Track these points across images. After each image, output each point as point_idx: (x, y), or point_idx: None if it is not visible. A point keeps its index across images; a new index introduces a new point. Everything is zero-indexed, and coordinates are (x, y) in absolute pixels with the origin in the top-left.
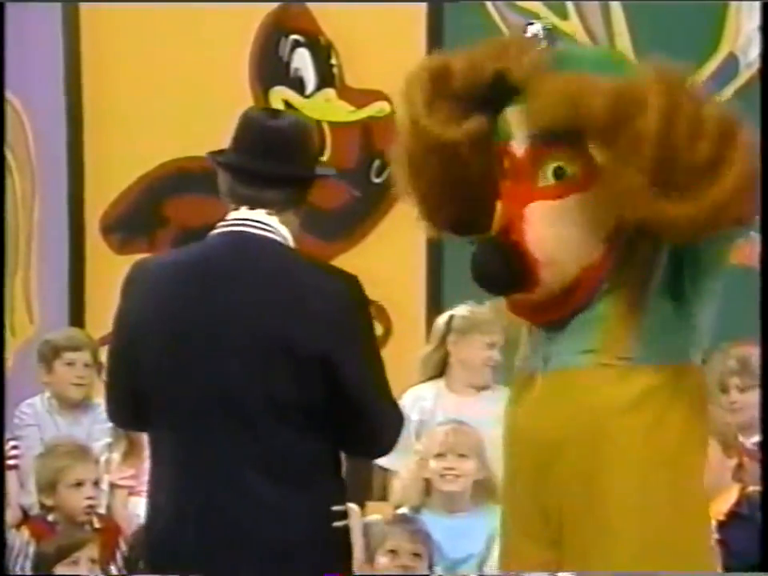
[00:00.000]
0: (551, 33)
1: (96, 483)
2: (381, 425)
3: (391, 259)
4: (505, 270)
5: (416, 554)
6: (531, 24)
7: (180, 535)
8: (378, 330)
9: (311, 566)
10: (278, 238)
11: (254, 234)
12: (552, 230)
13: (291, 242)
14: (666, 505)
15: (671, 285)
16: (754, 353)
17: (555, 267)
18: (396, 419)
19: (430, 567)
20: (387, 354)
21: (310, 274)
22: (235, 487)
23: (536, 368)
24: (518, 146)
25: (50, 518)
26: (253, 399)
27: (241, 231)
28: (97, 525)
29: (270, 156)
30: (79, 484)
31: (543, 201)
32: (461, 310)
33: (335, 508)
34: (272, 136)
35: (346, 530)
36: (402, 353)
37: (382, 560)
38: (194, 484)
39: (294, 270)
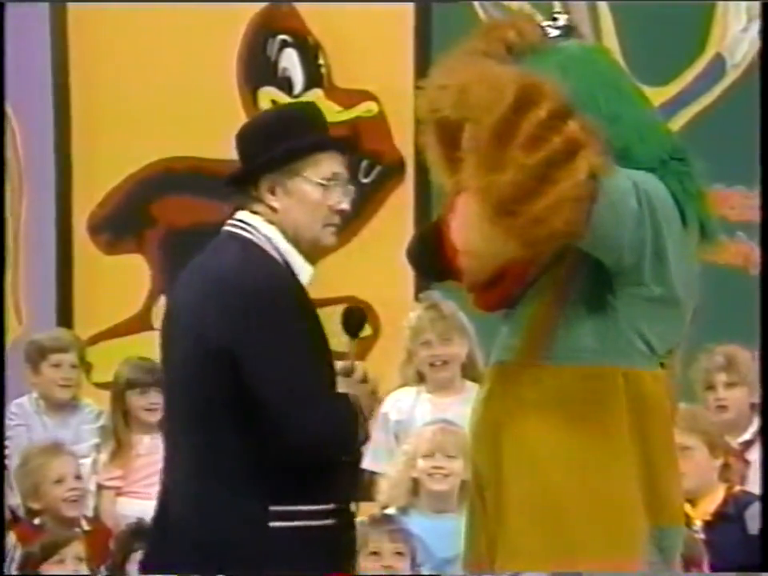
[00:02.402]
0: (566, 29)
1: (78, 477)
2: (289, 424)
3: (379, 259)
4: (425, 257)
5: (398, 553)
6: (555, 20)
7: (150, 528)
8: (367, 330)
9: (245, 564)
10: (248, 236)
11: (227, 232)
12: (472, 221)
13: (276, 240)
14: (572, 509)
15: (593, 291)
16: (740, 351)
17: (474, 257)
18: (311, 419)
19: (415, 565)
20: (375, 354)
21: (234, 270)
22: (175, 483)
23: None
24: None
25: (36, 521)
26: (184, 396)
27: (223, 230)
28: (86, 527)
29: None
30: (60, 480)
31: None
32: (416, 309)
33: (274, 508)
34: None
35: (290, 531)
36: (391, 353)
37: (365, 563)
38: (160, 480)
39: (224, 266)
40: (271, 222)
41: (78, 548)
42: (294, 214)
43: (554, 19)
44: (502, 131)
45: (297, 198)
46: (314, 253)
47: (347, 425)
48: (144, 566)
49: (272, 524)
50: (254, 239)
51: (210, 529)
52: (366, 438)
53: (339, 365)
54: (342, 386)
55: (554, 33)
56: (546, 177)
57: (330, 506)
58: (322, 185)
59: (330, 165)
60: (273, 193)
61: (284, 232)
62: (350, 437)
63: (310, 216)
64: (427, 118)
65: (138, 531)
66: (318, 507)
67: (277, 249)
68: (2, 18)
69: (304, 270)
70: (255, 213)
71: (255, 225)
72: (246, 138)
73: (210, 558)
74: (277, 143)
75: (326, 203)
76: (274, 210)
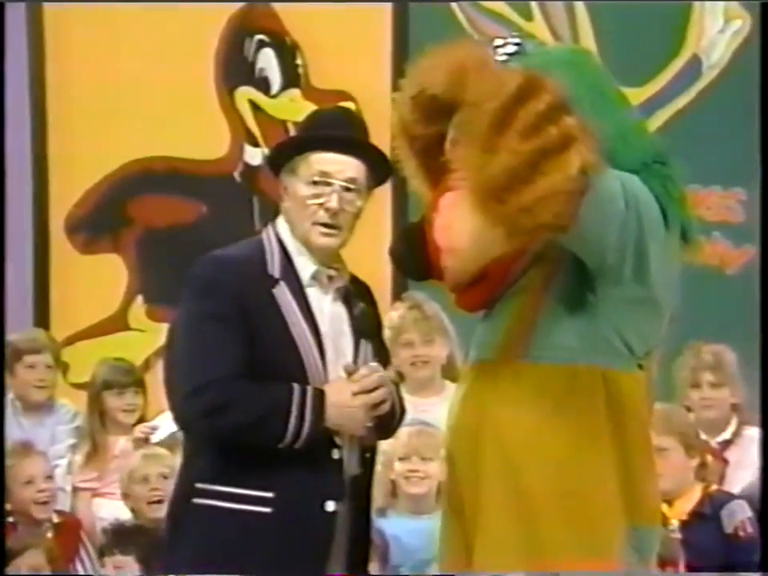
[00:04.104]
0: (518, 49)
1: (49, 478)
2: (171, 396)
3: (357, 259)
4: (407, 256)
5: None
6: (500, 39)
7: None
8: None
9: (168, 532)
10: (263, 231)
11: None
12: (457, 220)
13: (284, 237)
14: (549, 508)
15: (574, 290)
16: (727, 351)
17: (458, 255)
18: (182, 398)
19: (389, 566)
20: None
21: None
22: None
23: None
24: (447, 142)
25: (11, 519)
26: None
27: None
28: (56, 519)
29: None
30: (30, 481)
31: (456, 192)
32: (398, 308)
33: (200, 485)
34: None
35: (211, 510)
36: None
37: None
38: None
39: None
40: (287, 220)
41: (38, 556)
42: (292, 213)
43: (507, 42)
44: (500, 118)
45: (293, 196)
46: (312, 251)
47: (251, 411)
48: None
49: (194, 500)
50: (264, 233)
51: (168, 509)
52: (315, 435)
53: (345, 363)
54: (334, 382)
55: (504, 57)
56: (538, 167)
57: (268, 495)
58: (310, 183)
59: (319, 164)
60: (285, 191)
61: (291, 230)
62: (262, 425)
63: (300, 214)
64: (400, 132)
65: (115, 533)
66: (248, 492)
67: (282, 244)
68: (2, 18)
69: (305, 266)
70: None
71: (277, 220)
72: None
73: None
74: (290, 143)
75: (314, 201)
76: (285, 208)
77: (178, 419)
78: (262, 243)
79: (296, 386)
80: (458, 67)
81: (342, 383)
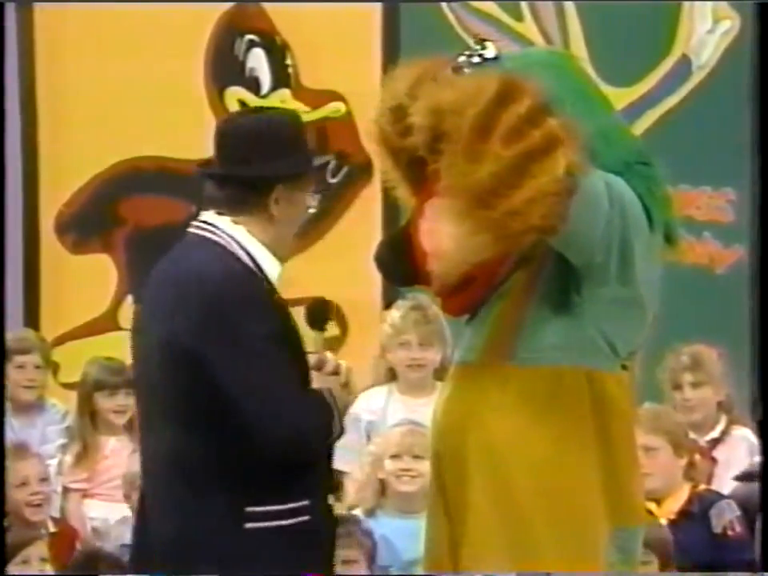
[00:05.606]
0: (490, 59)
1: (43, 480)
2: (260, 426)
3: (347, 260)
4: (393, 262)
5: (347, 561)
6: (468, 50)
7: (132, 537)
8: (335, 330)
9: (222, 567)
10: (214, 238)
11: (194, 235)
12: (443, 225)
13: (243, 241)
14: (534, 509)
15: (559, 291)
16: (706, 350)
17: (445, 260)
18: (281, 420)
19: (375, 567)
20: (343, 355)
21: (198, 274)
22: (153, 489)
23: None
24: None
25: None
26: (156, 401)
27: (189, 232)
28: (52, 529)
29: (219, 156)
30: (23, 483)
31: (440, 197)
32: (399, 308)
33: (251, 509)
34: (224, 136)
35: (266, 532)
36: (358, 354)
37: None
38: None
39: (193, 268)
40: (260, 226)
41: (41, 548)
42: (286, 222)
43: (482, 47)
44: (482, 124)
45: (298, 207)
46: (284, 255)
47: (321, 422)
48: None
49: (247, 525)
50: (220, 241)
51: (187, 535)
52: (342, 432)
53: (311, 359)
54: (315, 381)
55: (475, 62)
56: (524, 170)
57: (305, 503)
58: (311, 194)
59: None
60: (277, 202)
61: (263, 235)
62: (325, 433)
63: (296, 222)
64: (381, 144)
65: (92, 559)
66: (292, 505)
67: (244, 249)
68: (2, 19)
69: (274, 267)
70: (222, 215)
71: (221, 226)
72: (256, 142)
73: (187, 564)
74: (299, 155)
75: (311, 209)
76: (271, 216)
77: (273, 453)
78: (225, 250)
79: (323, 389)
80: (432, 76)
81: (332, 380)
